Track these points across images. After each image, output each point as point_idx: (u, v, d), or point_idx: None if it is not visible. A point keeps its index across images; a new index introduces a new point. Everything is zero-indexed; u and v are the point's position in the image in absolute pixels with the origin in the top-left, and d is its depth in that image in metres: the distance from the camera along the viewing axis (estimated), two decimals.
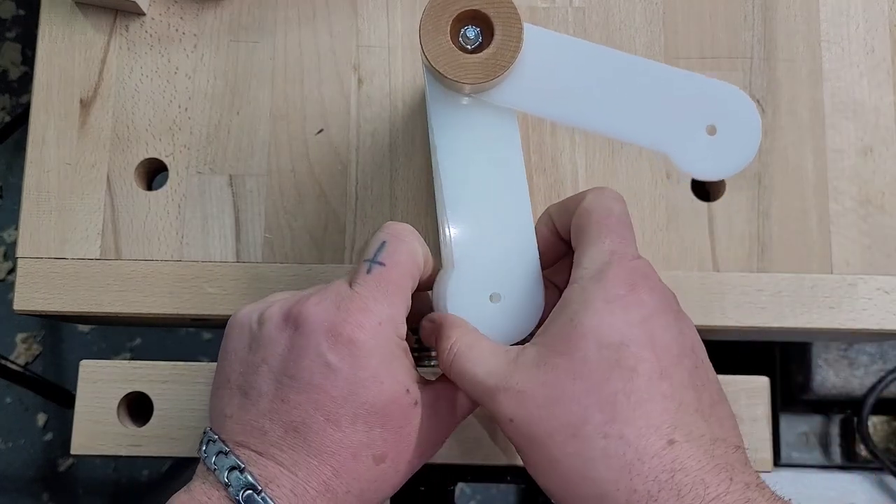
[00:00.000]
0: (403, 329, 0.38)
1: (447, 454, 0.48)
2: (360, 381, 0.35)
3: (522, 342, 0.38)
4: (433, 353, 0.45)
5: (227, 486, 0.34)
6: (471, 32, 0.37)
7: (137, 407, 0.50)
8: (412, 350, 0.40)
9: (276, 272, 0.50)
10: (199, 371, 0.49)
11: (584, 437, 0.33)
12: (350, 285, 0.37)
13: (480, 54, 0.36)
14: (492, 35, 0.36)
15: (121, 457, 0.49)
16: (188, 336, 1.29)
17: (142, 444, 0.48)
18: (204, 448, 0.37)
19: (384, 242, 0.38)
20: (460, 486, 1.27)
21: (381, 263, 0.38)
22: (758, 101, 0.52)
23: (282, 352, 0.36)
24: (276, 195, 0.51)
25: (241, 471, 0.34)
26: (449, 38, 0.36)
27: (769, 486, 0.33)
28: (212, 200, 0.51)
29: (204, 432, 0.37)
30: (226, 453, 0.35)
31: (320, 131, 0.51)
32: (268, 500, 0.34)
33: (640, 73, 0.38)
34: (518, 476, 0.51)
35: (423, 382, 0.38)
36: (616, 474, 0.32)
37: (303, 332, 0.36)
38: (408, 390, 0.37)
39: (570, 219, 0.38)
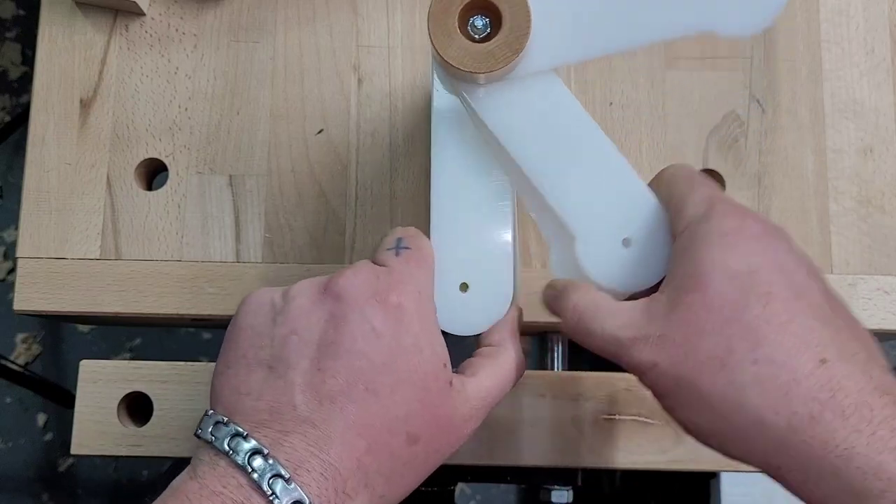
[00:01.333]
0: (434, 307, 0.38)
1: None
2: (402, 348, 0.35)
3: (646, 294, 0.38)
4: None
5: (247, 471, 0.32)
6: (479, 22, 0.37)
7: (137, 407, 0.50)
8: None
9: (276, 272, 0.50)
10: (199, 371, 0.49)
11: (732, 366, 0.32)
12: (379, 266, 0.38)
13: (491, 42, 0.36)
14: (500, 22, 0.36)
15: (121, 457, 0.49)
16: (188, 336, 1.29)
17: (142, 444, 0.48)
18: (210, 430, 0.34)
19: (400, 237, 0.39)
20: (460, 486, 1.27)
21: (406, 247, 0.38)
22: (758, 101, 0.52)
23: (317, 321, 0.35)
24: (276, 195, 0.51)
25: (265, 455, 0.32)
26: (458, 30, 0.36)
27: None
28: (212, 200, 0.51)
29: (206, 414, 0.35)
30: (243, 435, 0.33)
31: (320, 131, 0.51)
32: (295, 486, 0.32)
33: (598, 159, 0.39)
34: (518, 476, 0.51)
35: (454, 371, 0.38)
36: (773, 399, 0.32)
37: (344, 300, 0.35)
38: (445, 365, 0.36)
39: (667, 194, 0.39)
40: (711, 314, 0.33)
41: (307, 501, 0.32)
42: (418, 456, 0.36)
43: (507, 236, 0.40)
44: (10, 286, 1.29)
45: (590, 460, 0.49)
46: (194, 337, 1.29)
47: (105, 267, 0.50)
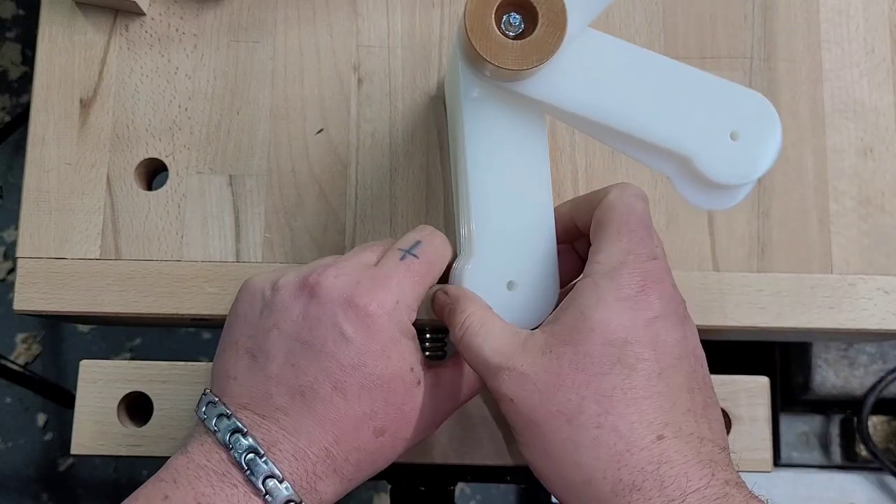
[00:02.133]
0: (414, 316, 0.39)
1: (447, 454, 0.48)
2: (370, 353, 0.37)
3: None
4: (445, 339, 0.46)
5: (228, 448, 0.35)
6: (514, 19, 0.37)
7: (137, 407, 0.50)
8: (426, 337, 0.43)
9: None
10: (199, 371, 0.49)
11: (578, 424, 0.34)
12: (376, 263, 0.39)
13: (526, 40, 0.36)
14: (534, 23, 0.36)
15: (121, 457, 0.49)
16: (188, 336, 1.29)
17: (142, 444, 0.48)
18: (203, 409, 0.37)
19: (419, 241, 0.40)
20: (460, 486, 1.27)
21: (414, 256, 0.40)
22: None
23: (295, 318, 0.37)
24: (276, 195, 0.51)
25: (244, 434, 0.35)
26: (493, 22, 0.36)
27: (748, 486, 0.35)
28: (212, 200, 0.51)
29: (203, 393, 0.38)
30: (228, 416, 0.36)
31: (320, 131, 0.51)
32: (269, 463, 0.35)
33: (671, 75, 0.38)
34: (518, 476, 0.51)
35: (427, 366, 0.40)
36: (605, 463, 0.33)
37: (320, 301, 0.37)
38: (412, 369, 0.38)
39: (591, 212, 0.39)
40: (577, 372, 0.34)
41: (280, 477, 0.35)
42: (385, 445, 0.38)
43: (551, 232, 0.41)
44: (10, 286, 1.29)
45: None
46: (194, 337, 1.29)
47: (105, 267, 0.50)
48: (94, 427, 0.48)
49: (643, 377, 0.34)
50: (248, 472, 0.34)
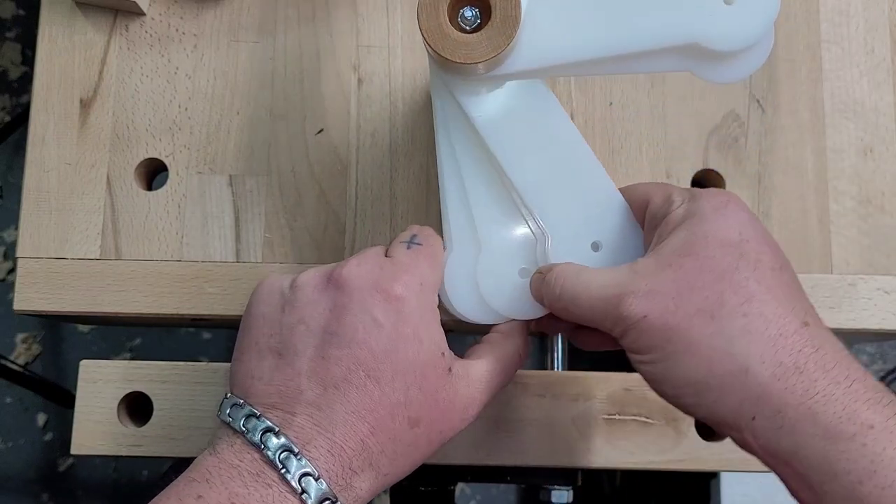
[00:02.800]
0: (437, 300, 0.40)
1: (447, 454, 0.48)
2: (402, 338, 0.37)
3: None
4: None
5: (260, 447, 0.34)
6: (469, 13, 0.37)
7: (137, 407, 0.50)
8: None
9: (276, 272, 0.50)
10: (199, 371, 0.49)
11: (723, 317, 0.34)
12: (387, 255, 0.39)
13: (482, 31, 0.36)
14: (489, 11, 0.36)
15: (121, 457, 0.49)
16: (188, 336, 1.29)
17: (142, 444, 0.48)
18: (227, 412, 0.36)
19: (414, 234, 0.41)
20: (460, 486, 1.27)
21: (418, 244, 0.40)
22: (758, 101, 0.52)
23: (322, 311, 0.37)
24: (276, 195, 0.51)
25: (276, 433, 0.35)
26: (447, 22, 0.36)
27: None
28: (212, 200, 0.51)
29: (225, 397, 0.37)
30: (257, 416, 0.35)
31: (320, 131, 0.51)
32: (304, 460, 0.34)
33: None
34: (518, 476, 0.51)
35: (455, 357, 0.40)
36: (760, 348, 0.33)
37: (347, 290, 0.37)
38: (443, 354, 0.38)
39: (651, 193, 0.40)
40: (703, 273, 0.35)
41: (316, 474, 0.34)
42: (420, 437, 0.37)
43: (609, 186, 0.41)
44: (10, 286, 1.29)
45: (590, 460, 0.49)
46: (194, 337, 1.29)
47: (105, 267, 0.50)
48: (94, 427, 0.48)
49: (768, 269, 0.35)
50: (284, 469, 0.34)
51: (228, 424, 0.36)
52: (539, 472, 0.51)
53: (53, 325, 1.30)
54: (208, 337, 1.29)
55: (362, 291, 0.37)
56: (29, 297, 0.49)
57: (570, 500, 0.53)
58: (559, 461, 0.49)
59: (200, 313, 0.49)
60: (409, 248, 0.40)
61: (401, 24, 0.52)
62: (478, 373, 0.40)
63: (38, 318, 0.52)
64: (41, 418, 1.27)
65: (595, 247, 0.41)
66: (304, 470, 0.34)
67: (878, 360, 0.76)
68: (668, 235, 0.37)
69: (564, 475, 0.51)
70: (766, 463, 0.34)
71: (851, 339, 0.69)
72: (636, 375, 0.50)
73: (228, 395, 0.38)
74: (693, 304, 0.34)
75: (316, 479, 0.34)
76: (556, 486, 0.52)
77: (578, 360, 0.72)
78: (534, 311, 0.42)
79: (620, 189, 0.42)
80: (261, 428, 0.35)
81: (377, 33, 0.52)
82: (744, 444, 0.35)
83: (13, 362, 1.13)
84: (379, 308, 0.37)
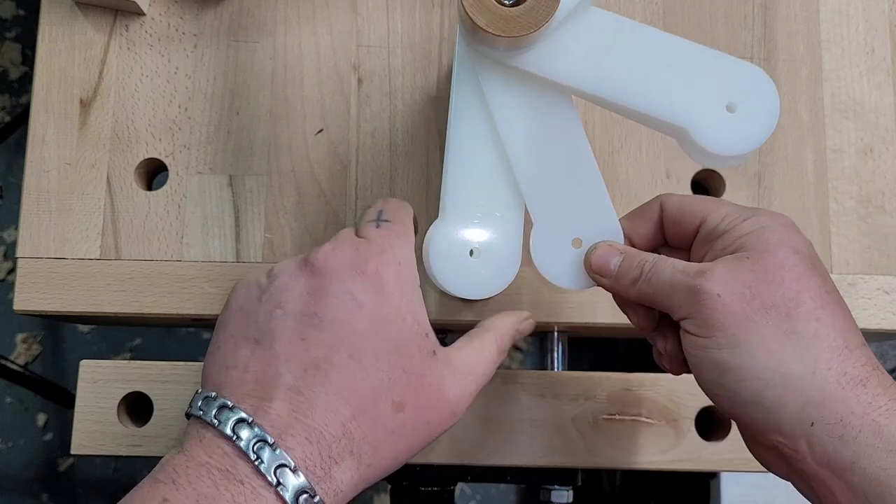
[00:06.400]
0: (417, 278, 0.39)
1: (447, 454, 0.48)
2: (383, 317, 0.36)
3: None
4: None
5: (232, 439, 0.33)
6: None
7: (137, 407, 0.50)
8: None
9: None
10: (199, 371, 0.49)
11: (797, 317, 0.34)
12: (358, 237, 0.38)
13: (519, 7, 0.36)
14: None
15: (121, 457, 0.49)
16: (188, 336, 1.29)
17: (142, 444, 0.48)
18: (199, 404, 0.35)
19: (381, 210, 0.40)
20: (460, 486, 1.27)
21: (386, 220, 0.39)
22: None
23: (299, 295, 0.36)
24: (276, 195, 0.51)
25: (250, 423, 0.33)
26: None
27: None
28: (212, 200, 0.51)
29: (196, 393, 0.36)
30: (230, 407, 0.34)
31: (320, 131, 0.51)
32: (280, 451, 0.33)
33: (668, 49, 0.39)
34: (518, 476, 0.51)
35: (439, 343, 0.39)
36: (829, 355, 0.34)
37: (324, 273, 0.36)
38: (427, 335, 0.37)
39: (649, 224, 0.41)
40: (783, 271, 0.35)
41: (292, 465, 0.33)
42: (406, 424, 0.36)
43: (603, 188, 0.42)
44: (10, 286, 1.29)
45: (590, 460, 0.49)
46: (194, 337, 1.29)
47: (105, 267, 0.50)
48: (94, 427, 0.48)
49: (833, 284, 0.36)
50: (258, 460, 0.32)
51: (199, 418, 0.34)
52: (539, 472, 0.51)
53: (53, 325, 1.30)
54: (208, 337, 1.29)
55: (340, 273, 0.36)
56: (29, 297, 0.49)
57: (570, 500, 0.53)
58: (559, 461, 0.49)
59: (200, 313, 0.49)
60: (378, 226, 0.39)
61: (401, 24, 0.53)
62: (460, 362, 0.39)
63: (38, 318, 0.52)
64: (41, 418, 1.27)
65: (577, 243, 0.41)
66: (279, 462, 0.32)
67: (878, 360, 0.76)
68: (737, 241, 0.37)
69: (564, 475, 0.51)
70: (813, 476, 0.34)
71: None
72: (636, 375, 0.50)
73: (199, 391, 0.36)
74: (770, 298, 0.34)
75: (293, 471, 0.32)
76: (556, 486, 0.52)
77: (578, 360, 0.72)
78: (586, 283, 0.41)
79: (662, 197, 0.41)
80: (233, 418, 0.33)
81: (377, 33, 0.52)
82: (793, 454, 0.34)
83: (13, 362, 1.13)
84: (358, 288, 0.36)
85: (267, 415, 0.34)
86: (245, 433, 0.33)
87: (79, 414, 0.49)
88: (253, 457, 0.32)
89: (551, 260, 0.41)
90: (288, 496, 0.32)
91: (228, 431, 0.33)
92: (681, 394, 0.49)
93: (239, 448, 0.33)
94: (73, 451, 0.48)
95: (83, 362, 0.49)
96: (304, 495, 0.33)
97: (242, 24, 0.52)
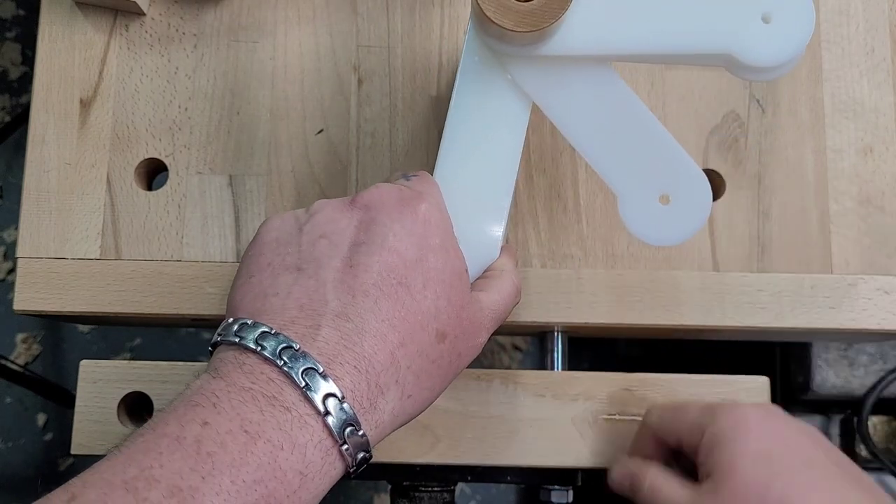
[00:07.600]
0: (452, 225, 0.39)
1: (447, 454, 0.48)
2: (431, 248, 0.36)
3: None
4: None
5: (279, 364, 0.31)
6: None
7: (137, 407, 0.50)
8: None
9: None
10: (199, 371, 0.49)
11: None
12: None
13: (534, 2, 0.36)
14: None
15: None
16: (188, 336, 1.29)
17: None
18: (234, 329, 0.33)
19: (404, 173, 0.41)
20: (460, 486, 1.26)
21: (415, 175, 0.40)
22: (757, 101, 0.52)
23: (346, 226, 0.36)
24: (276, 195, 0.51)
25: (297, 350, 0.32)
26: None
27: None
28: (212, 200, 0.51)
29: (227, 322, 0.34)
30: (273, 333, 0.32)
31: (320, 131, 0.51)
32: (329, 379, 0.31)
33: None
34: (518, 476, 0.51)
35: None
36: None
37: (372, 207, 0.37)
38: (466, 271, 0.38)
39: (679, 429, 0.44)
40: (746, 499, 0.38)
41: (340, 395, 0.32)
42: (444, 355, 0.36)
43: (671, 139, 0.41)
44: (10, 286, 1.29)
45: (590, 460, 0.49)
46: (194, 337, 1.29)
47: (105, 267, 0.50)
48: (94, 427, 0.48)
49: (805, 468, 0.40)
50: (307, 387, 0.31)
51: (237, 343, 0.32)
52: (539, 472, 0.51)
53: (53, 325, 1.30)
54: (208, 337, 1.29)
55: (389, 206, 0.37)
56: (29, 297, 0.49)
57: (570, 500, 0.53)
58: (559, 461, 0.49)
59: (200, 313, 0.49)
60: (408, 179, 0.40)
61: (401, 24, 0.52)
62: (486, 301, 0.39)
63: (38, 318, 0.52)
64: (41, 418, 1.27)
65: (664, 200, 0.41)
66: (329, 391, 0.31)
67: (878, 360, 0.76)
68: (705, 464, 0.40)
69: (564, 475, 0.51)
70: None
71: (851, 339, 0.69)
72: (636, 375, 0.50)
73: (230, 319, 0.34)
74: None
75: (341, 401, 0.31)
76: (556, 486, 0.52)
77: (578, 360, 0.72)
78: (679, 237, 0.41)
79: (644, 417, 0.47)
80: (279, 345, 0.32)
81: (377, 33, 0.52)
82: None
83: (13, 362, 1.13)
84: (408, 219, 0.36)
85: (314, 342, 0.33)
86: (292, 360, 0.31)
87: (79, 414, 0.49)
88: (301, 383, 0.31)
89: (647, 224, 0.41)
90: (335, 428, 0.31)
91: (274, 357, 0.31)
92: (681, 394, 0.49)
93: (287, 374, 0.31)
94: (73, 451, 0.48)
95: (83, 362, 0.49)
96: (350, 428, 0.32)
97: (242, 23, 0.52)
